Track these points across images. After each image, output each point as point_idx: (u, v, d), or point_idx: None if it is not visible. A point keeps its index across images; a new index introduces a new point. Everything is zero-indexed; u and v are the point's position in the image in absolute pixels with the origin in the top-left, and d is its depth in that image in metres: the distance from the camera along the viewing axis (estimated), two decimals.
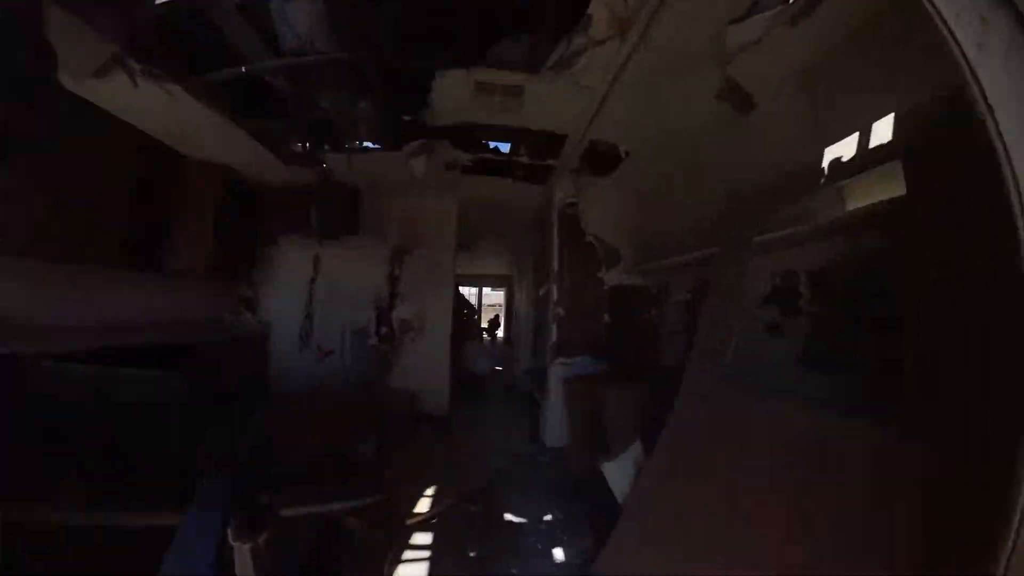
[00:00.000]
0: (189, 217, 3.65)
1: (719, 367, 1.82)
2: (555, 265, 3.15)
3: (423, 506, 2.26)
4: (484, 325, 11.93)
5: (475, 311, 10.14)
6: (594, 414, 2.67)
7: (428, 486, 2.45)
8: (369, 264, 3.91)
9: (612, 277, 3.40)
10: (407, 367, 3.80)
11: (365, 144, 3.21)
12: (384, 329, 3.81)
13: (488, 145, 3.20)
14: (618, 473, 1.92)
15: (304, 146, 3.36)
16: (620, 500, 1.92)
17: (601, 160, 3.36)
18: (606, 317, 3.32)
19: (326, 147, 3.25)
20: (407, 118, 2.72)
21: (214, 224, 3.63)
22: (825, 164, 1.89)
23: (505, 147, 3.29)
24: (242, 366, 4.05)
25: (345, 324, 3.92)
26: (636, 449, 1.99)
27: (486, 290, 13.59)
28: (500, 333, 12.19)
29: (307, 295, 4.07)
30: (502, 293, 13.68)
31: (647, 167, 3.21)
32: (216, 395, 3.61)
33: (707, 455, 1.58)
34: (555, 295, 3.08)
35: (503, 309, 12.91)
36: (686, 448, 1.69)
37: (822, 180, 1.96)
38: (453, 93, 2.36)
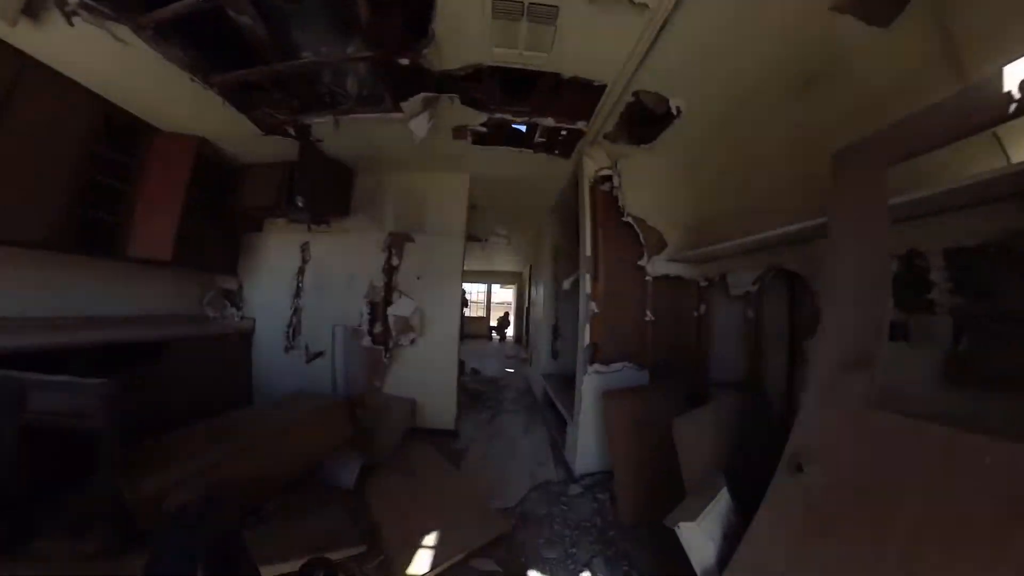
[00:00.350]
0: (154, 196, 3.12)
1: (859, 384, 1.23)
2: (587, 250, 2.57)
3: (421, 563, 1.70)
4: (493, 324, 11.42)
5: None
6: (648, 442, 2.09)
7: (428, 530, 1.89)
8: (363, 252, 3.36)
9: (656, 266, 2.80)
10: (406, 372, 3.26)
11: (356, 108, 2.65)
12: (380, 327, 3.26)
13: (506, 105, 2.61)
14: (699, 537, 1.34)
15: (286, 109, 2.82)
16: (700, 573, 1.35)
17: (643, 122, 2.77)
18: (648, 314, 2.72)
19: (311, 111, 2.71)
20: (404, 61, 2.16)
21: (184, 204, 3.11)
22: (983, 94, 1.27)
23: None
24: (222, 369, 3.54)
25: (336, 321, 3.38)
26: (722, 504, 1.41)
27: (494, 287, 13.04)
28: (509, 332, 11.64)
29: (294, 288, 3.55)
30: (509, 292, 13.16)
31: (704, 127, 2.60)
32: (190, 403, 3.11)
33: (860, 521, 1.01)
34: (588, 287, 2.50)
35: (510, 308, 12.37)
36: (821, 512, 1.10)
37: (974, 118, 1.34)
38: (463, 13, 1.79)
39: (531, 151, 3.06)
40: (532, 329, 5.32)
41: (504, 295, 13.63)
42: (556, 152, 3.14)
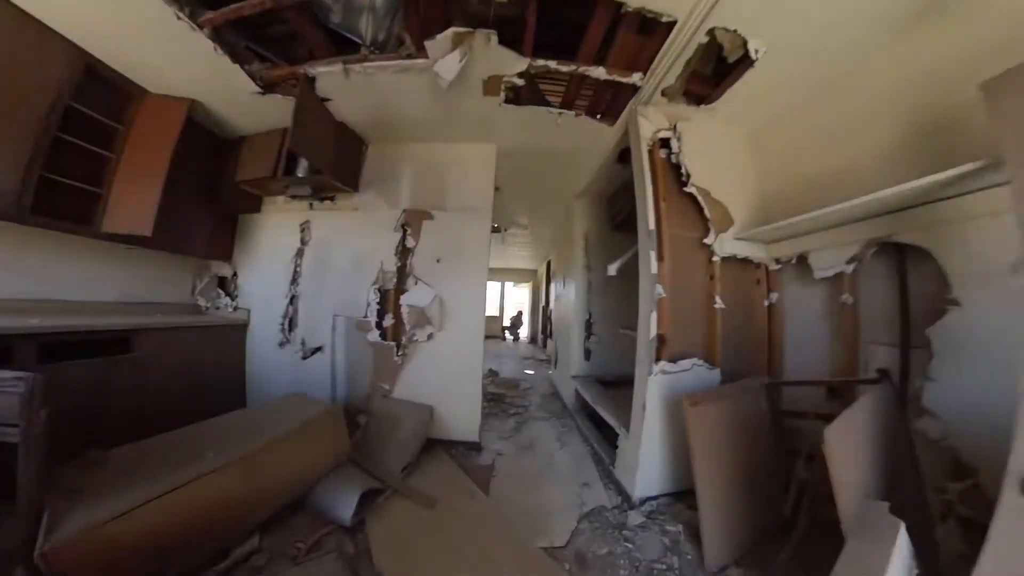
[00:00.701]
0: (136, 164, 2.74)
1: None
2: (650, 223, 2.12)
3: None
4: (505, 323, 10.97)
5: None
6: (744, 460, 1.64)
7: None
8: (373, 232, 2.94)
9: (724, 245, 2.36)
10: (422, 373, 2.82)
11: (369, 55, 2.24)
12: (391, 320, 2.82)
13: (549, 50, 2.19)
14: None
15: (285, 61, 2.42)
16: None
17: (711, 73, 2.34)
18: (717, 301, 2.27)
19: (316, 58, 2.30)
20: None
21: (170, 174, 2.72)
22: None
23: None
24: (211, 365, 3.13)
25: (338, 311, 2.96)
26: (902, 555, 0.95)
27: (506, 285, 12.61)
28: (523, 332, 11.19)
29: (291, 274, 3.13)
30: (518, 291, 12.72)
31: (783, 77, 2.17)
32: (170, 405, 2.72)
33: None
34: (653, 266, 2.05)
35: (522, 307, 11.92)
36: None
37: None
38: None
39: (571, 113, 2.63)
40: (556, 327, 4.86)
41: (512, 295, 13.18)
42: (599, 115, 2.71)
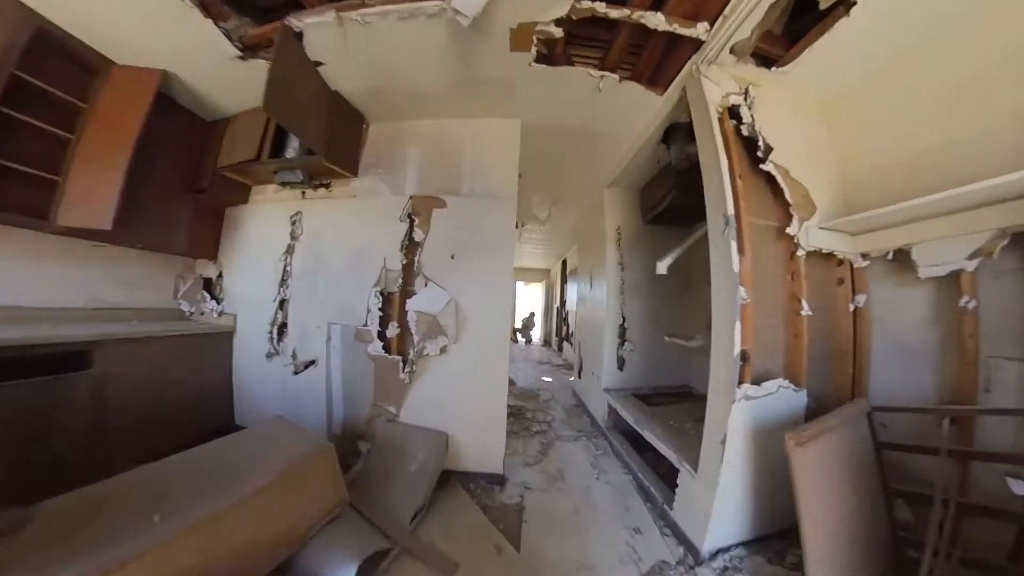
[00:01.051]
0: (97, 147, 2.37)
1: None
2: (728, 207, 1.68)
3: None
4: (517, 325, 10.55)
5: None
6: (863, 513, 1.21)
7: None
8: (373, 223, 2.51)
9: (810, 236, 1.92)
10: (434, 393, 2.38)
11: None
12: (395, 329, 2.39)
13: None
14: None
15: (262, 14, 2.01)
16: None
17: (795, 26, 1.89)
18: (804, 306, 1.84)
19: (303, 7, 1.89)
20: None
21: (136, 159, 2.34)
22: None
23: None
24: (191, 380, 2.75)
25: (334, 318, 2.54)
26: None
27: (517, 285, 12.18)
28: (535, 335, 10.75)
29: (281, 273, 2.73)
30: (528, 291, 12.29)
31: (881, 29, 1.74)
32: (139, 430, 2.35)
33: None
34: (735, 262, 1.60)
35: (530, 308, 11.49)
36: None
37: None
38: None
39: (614, 77, 2.19)
40: (581, 332, 4.42)
41: (523, 295, 12.75)
42: (648, 80, 2.27)
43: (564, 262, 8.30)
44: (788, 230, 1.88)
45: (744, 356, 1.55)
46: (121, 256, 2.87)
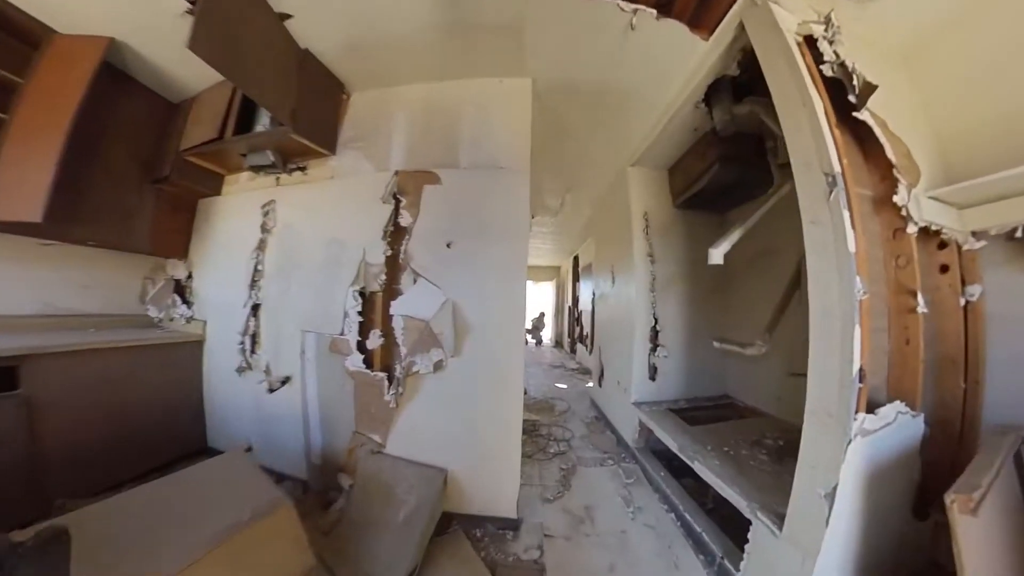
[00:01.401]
0: (31, 128, 2.04)
1: None
2: (833, 162, 1.21)
3: None
4: (527, 326, 10.10)
5: None
6: None
7: None
8: (352, 206, 2.09)
9: (920, 208, 1.44)
10: (427, 420, 1.91)
11: None
12: (378, 338, 1.94)
13: None
14: None
15: None
16: None
17: None
18: (919, 302, 1.37)
19: None
20: None
21: (67, 140, 1.98)
22: None
23: None
24: (153, 398, 2.39)
25: (311, 325, 2.12)
26: None
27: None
28: (545, 336, 10.29)
29: (251, 273, 2.34)
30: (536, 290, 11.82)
31: None
32: (85, 461, 2.01)
33: None
34: (850, 241, 1.13)
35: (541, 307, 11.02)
36: None
37: None
38: None
39: (650, 12, 1.74)
40: (601, 336, 3.95)
41: (531, 294, 12.29)
42: (691, 20, 1.81)
43: (576, 259, 7.82)
44: (895, 199, 1.41)
45: (862, 376, 1.09)
46: (77, 256, 2.53)
